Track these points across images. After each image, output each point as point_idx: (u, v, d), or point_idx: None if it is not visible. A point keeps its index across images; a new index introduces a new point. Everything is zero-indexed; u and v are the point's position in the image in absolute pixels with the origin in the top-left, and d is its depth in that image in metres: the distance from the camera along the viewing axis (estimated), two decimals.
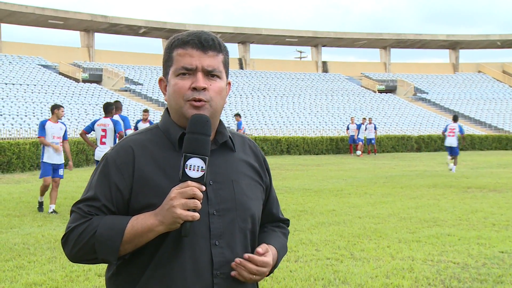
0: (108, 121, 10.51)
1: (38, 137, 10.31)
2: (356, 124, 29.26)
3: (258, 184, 1.89)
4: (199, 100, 1.73)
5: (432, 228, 8.20)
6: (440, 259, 6.33)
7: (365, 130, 29.64)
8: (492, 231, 7.99)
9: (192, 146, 1.65)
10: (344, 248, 6.84)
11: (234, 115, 20.77)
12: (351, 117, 30.99)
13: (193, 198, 1.62)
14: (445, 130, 18.77)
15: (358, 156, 28.00)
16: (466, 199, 11.38)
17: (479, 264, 6.12)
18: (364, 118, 30.32)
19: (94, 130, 10.71)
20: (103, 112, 10.68)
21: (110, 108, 10.67)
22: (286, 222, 2.06)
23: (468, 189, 13.11)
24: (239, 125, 23.65)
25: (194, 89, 1.73)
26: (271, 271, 1.88)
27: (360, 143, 28.98)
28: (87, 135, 10.89)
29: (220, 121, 1.84)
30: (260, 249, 1.77)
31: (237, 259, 1.74)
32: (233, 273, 1.74)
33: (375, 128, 29.73)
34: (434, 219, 8.96)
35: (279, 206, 2.05)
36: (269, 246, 1.85)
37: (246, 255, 1.75)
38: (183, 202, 1.61)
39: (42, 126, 10.06)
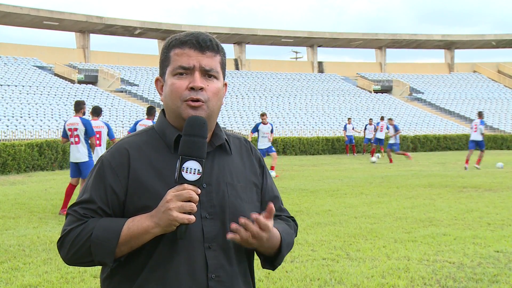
0: (150, 123, 10.94)
1: (112, 140, 11.09)
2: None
3: (253, 187, 1.88)
4: (197, 100, 1.72)
5: (428, 228, 8.22)
6: (435, 258, 6.35)
7: (365, 130, 29.87)
8: (488, 230, 8.01)
9: (188, 148, 1.64)
10: (340, 248, 6.85)
11: (388, 119, 18.36)
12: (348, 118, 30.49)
13: (189, 201, 1.62)
14: None
15: (274, 177, 16.20)
16: (462, 198, 11.40)
17: (475, 264, 6.13)
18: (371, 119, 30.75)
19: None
20: (146, 115, 11.36)
21: (153, 111, 11.41)
22: (291, 217, 2.00)
23: (464, 188, 13.14)
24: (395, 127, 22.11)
25: (192, 89, 1.72)
26: (275, 262, 1.83)
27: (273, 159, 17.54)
28: None
29: (216, 123, 1.83)
30: (263, 215, 1.70)
31: (242, 220, 1.67)
32: (229, 235, 1.68)
33: (374, 130, 29.85)
34: (430, 218, 8.97)
35: (282, 204, 2.00)
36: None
37: (254, 215, 1.68)
38: (179, 205, 1.61)
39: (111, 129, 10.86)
